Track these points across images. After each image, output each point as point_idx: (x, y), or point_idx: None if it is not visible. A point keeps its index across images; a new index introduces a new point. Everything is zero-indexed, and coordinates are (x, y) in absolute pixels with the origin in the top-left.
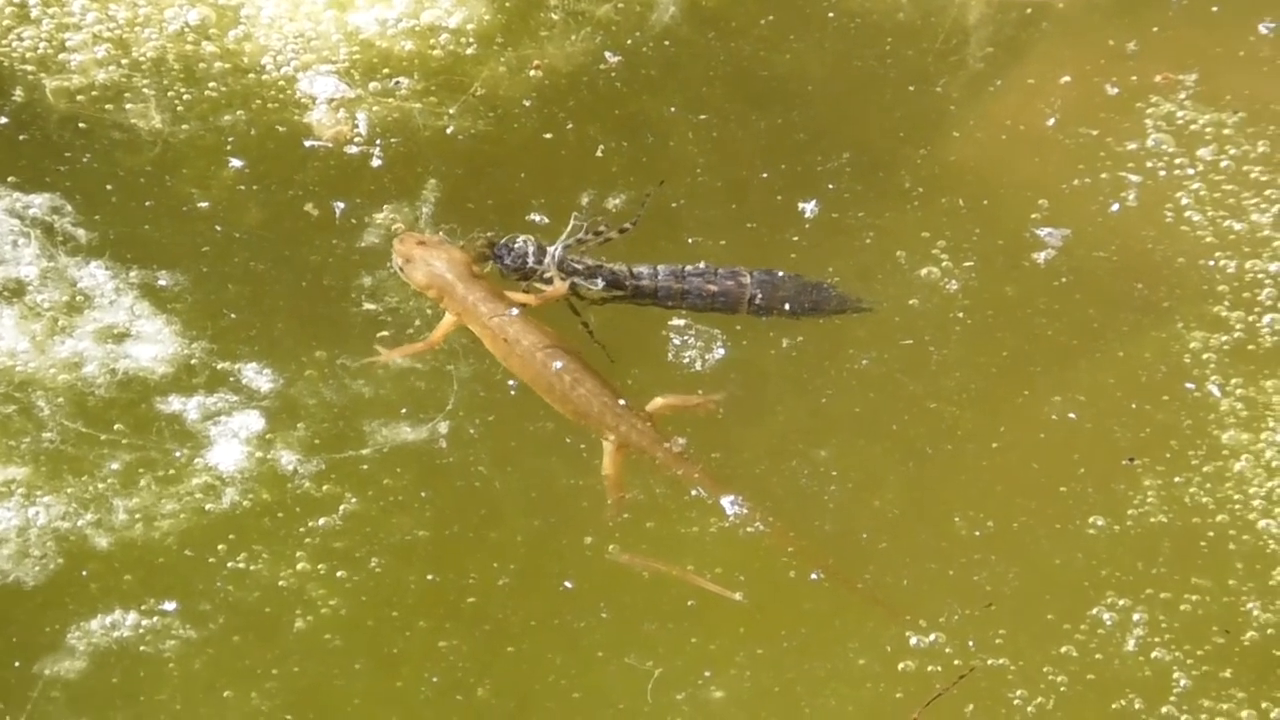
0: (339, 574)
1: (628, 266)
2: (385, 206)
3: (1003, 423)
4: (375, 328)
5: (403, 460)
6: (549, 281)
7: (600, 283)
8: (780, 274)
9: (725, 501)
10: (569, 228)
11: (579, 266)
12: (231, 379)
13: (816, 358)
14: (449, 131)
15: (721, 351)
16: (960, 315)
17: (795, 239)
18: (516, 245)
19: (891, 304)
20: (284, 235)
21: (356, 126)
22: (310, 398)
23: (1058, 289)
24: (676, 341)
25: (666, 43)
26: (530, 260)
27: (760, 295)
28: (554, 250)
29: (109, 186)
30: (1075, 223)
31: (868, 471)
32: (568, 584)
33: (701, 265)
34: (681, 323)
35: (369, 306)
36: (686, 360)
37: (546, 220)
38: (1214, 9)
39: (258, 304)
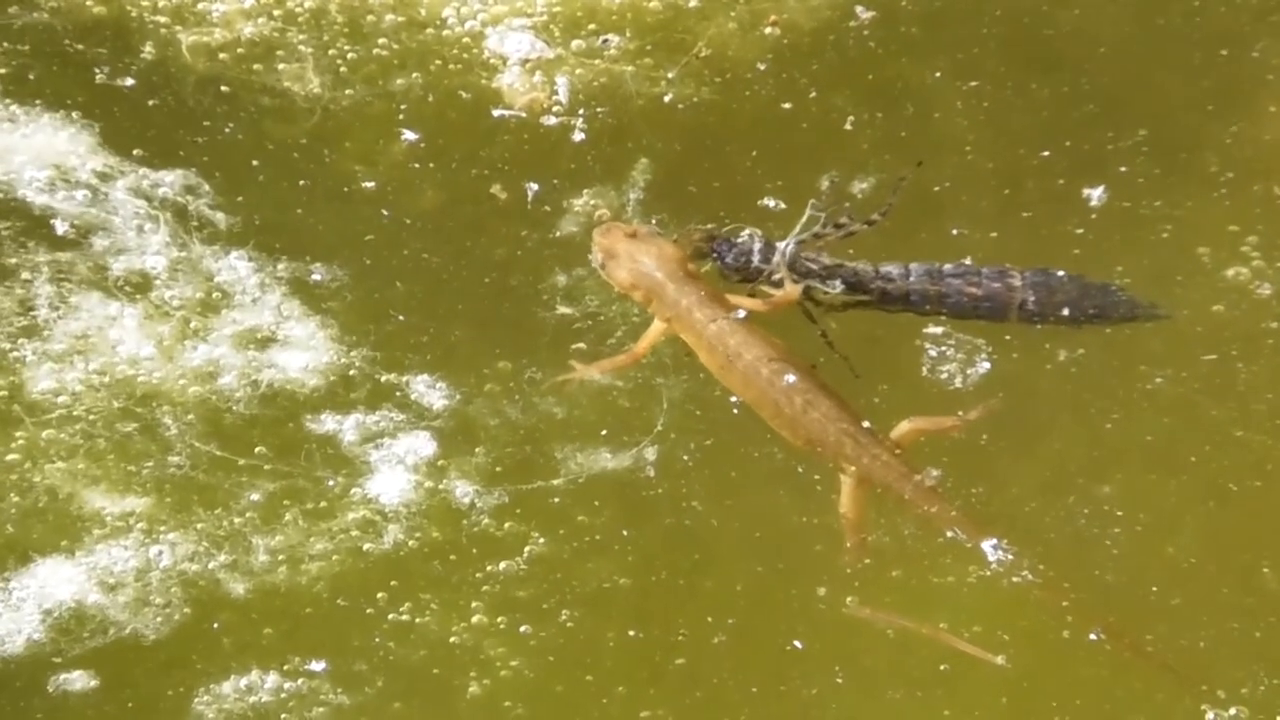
0: (522, 629)
1: (874, 266)
2: (586, 190)
3: None
4: (570, 337)
5: (601, 493)
6: (779, 284)
7: (840, 285)
8: (1058, 274)
9: (987, 546)
10: (804, 219)
11: (815, 266)
12: (398, 394)
13: (1100, 375)
14: (666, 100)
15: (986, 365)
16: (1274, 325)
17: (1078, 232)
18: (740, 241)
19: (1192, 311)
20: (465, 223)
21: (555, 93)
22: (492, 417)
23: None
24: (932, 353)
25: None
26: (756, 258)
27: (1033, 299)
28: (785, 246)
29: (255, 162)
30: None
31: (1159, 512)
32: (797, 643)
33: (964, 264)
34: (939, 331)
35: (564, 310)
36: (944, 376)
37: (783, 207)
38: None
39: (431, 305)
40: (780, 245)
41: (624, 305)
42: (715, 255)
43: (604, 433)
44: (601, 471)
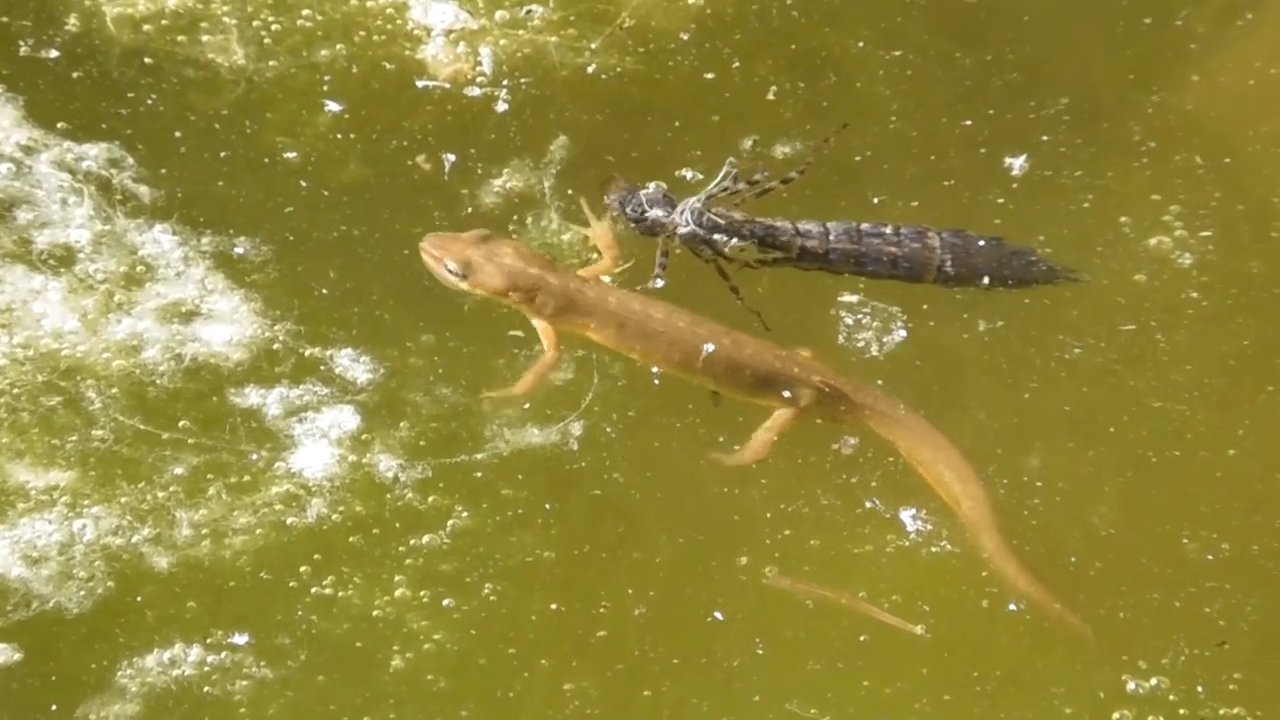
0: (445, 602)
1: (793, 224)
2: (508, 168)
3: (1241, 425)
4: (496, 310)
5: (525, 466)
6: (689, 240)
7: (750, 241)
8: (975, 237)
9: (906, 515)
10: (720, 175)
11: (723, 222)
12: (321, 368)
13: (1020, 344)
14: (590, 70)
15: (903, 334)
16: (1194, 295)
17: (1000, 201)
18: (643, 192)
19: (1112, 280)
20: (388, 195)
21: (479, 64)
22: (415, 392)
23: None
24: (849, 321)
25: None
26: (653, 210)
27: (951, 261)
28: (693, 201)
29: (178, 134)
30: None
31: (1079, 482)
32: (718, 615)
33: (882, 224)
34: (854, 298)
35: None
36: (861, 344)
37: (700, 177)
38: None
39: (354, 279)
40: (686, 202)
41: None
42: (619, 206)
43: (528, 406)
44: (526, 445)
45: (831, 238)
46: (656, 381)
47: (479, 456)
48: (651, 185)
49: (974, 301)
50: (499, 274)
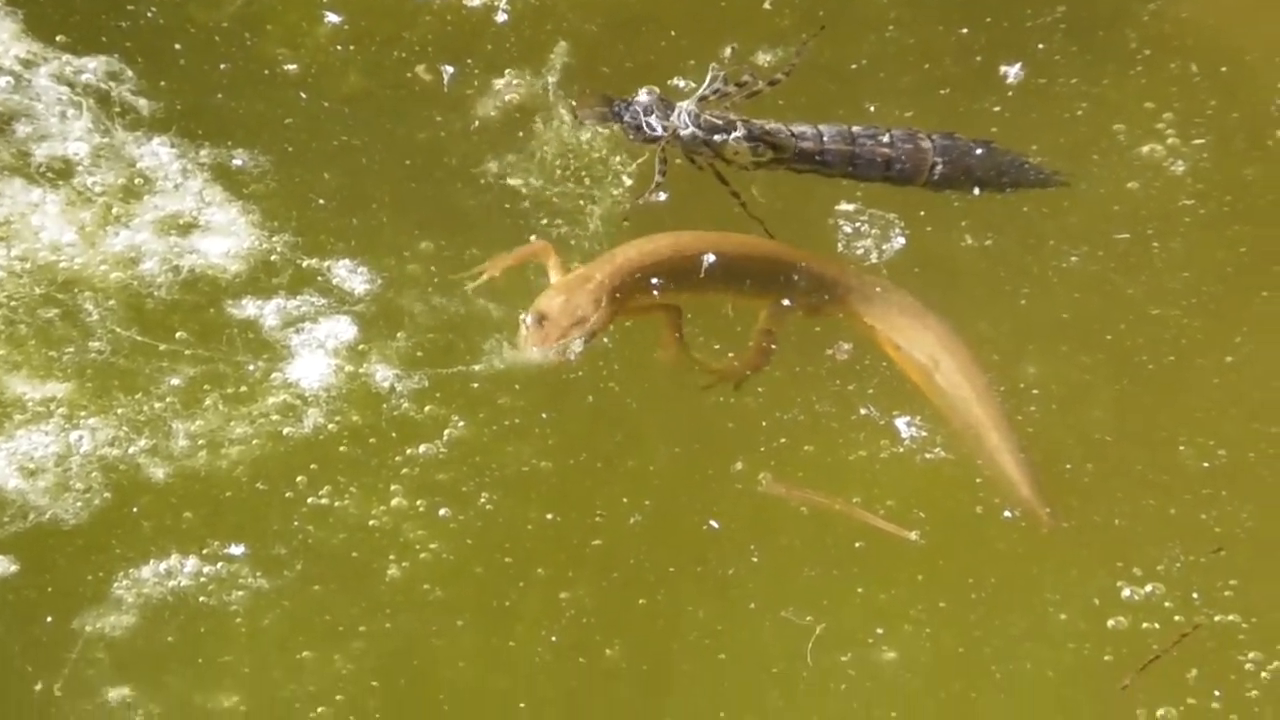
0: (441, 512)
1: (787, 126)
2: (507, 71)
3: (1238, 332)
4: (501, 218)
5: (522, 376)
6: (690, 143)
7: (742, 137)
8: (966, 140)
9: (900, 421)
10: (708, 78)
11: (719, 121)
12: (319, 279)
13: (1016, 252)
14: None
15: (901, 241)
16: (1190, 203)
17: (995, 109)
18: (638, 100)
19: (1107, 188)
20: (387, 106)
21: None
22: (414, 302)
23: None
24: (847, 229)
25: None
26: (653, 116)
27: (943, 163)
28: (686, 105)
29: (177, 47)
30: None
31: (1074, 389)
32: (713, 523)
33: (874, 127)
34: (851, 206)
35: (500, 186)
36: (860, 251)
37: (693, 86)
38: None
39: (353, 189)
40: (681, 105)
41: (551, 186)
42: (615, 115)
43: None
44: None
45: (826, 139)
46: (655, 294)
47: (476, 367)
48: (643, 92)
49: (971, 209)
50: (577, 314)
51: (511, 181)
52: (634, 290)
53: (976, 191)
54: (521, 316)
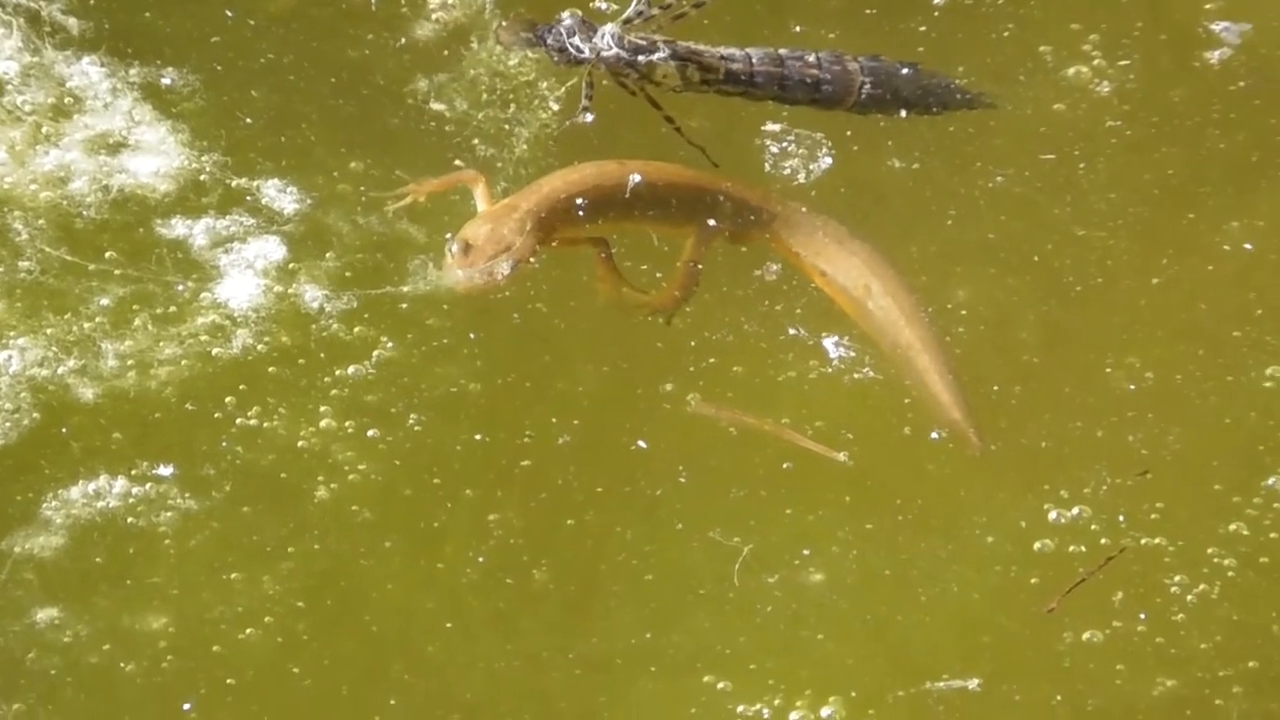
0: (370, 433)
1: (714, 49)
2: None
3: (1165, 254)
4: (428, 139)
5: (449, 299)
6: (615, 65)
7: (667, 56)
8: (891, 61)
9: (828, 341)
10: (632, 2)
11: (643, 43)
12: (248, 198)
13: (943, 174)
14: None
15: (828, 161)
16: (1116, 124)
17: (922, 29)
18: (561, 23)
19: (1033, 109)
20: (317, 25)
21: None
22: (343, 222)
23: (1234, 94)
24: (774, 149)
25: None
26: (572, 39)
27: (870, 84)
28: (608, 28)
29: None
30: (1258, 14)
31: (1001, 310)
32: (641, 443)
33: (799, 49)
34: (777, 127)
35: (427, 109)
36: (787, 171)
37: (617, 9)
38: None
39: (282, 109)
40: (604, 28)
41: (478, 109)
42: (539, 39)
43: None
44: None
45: (754, 61)
46: (581, 213)
47: (405, 289)
48: (565, 14)
49: (898, 130)
50: (503, 242)
51: (437, 106)
52: (560, 220)
53: (903, 113)
54: (447, 244)
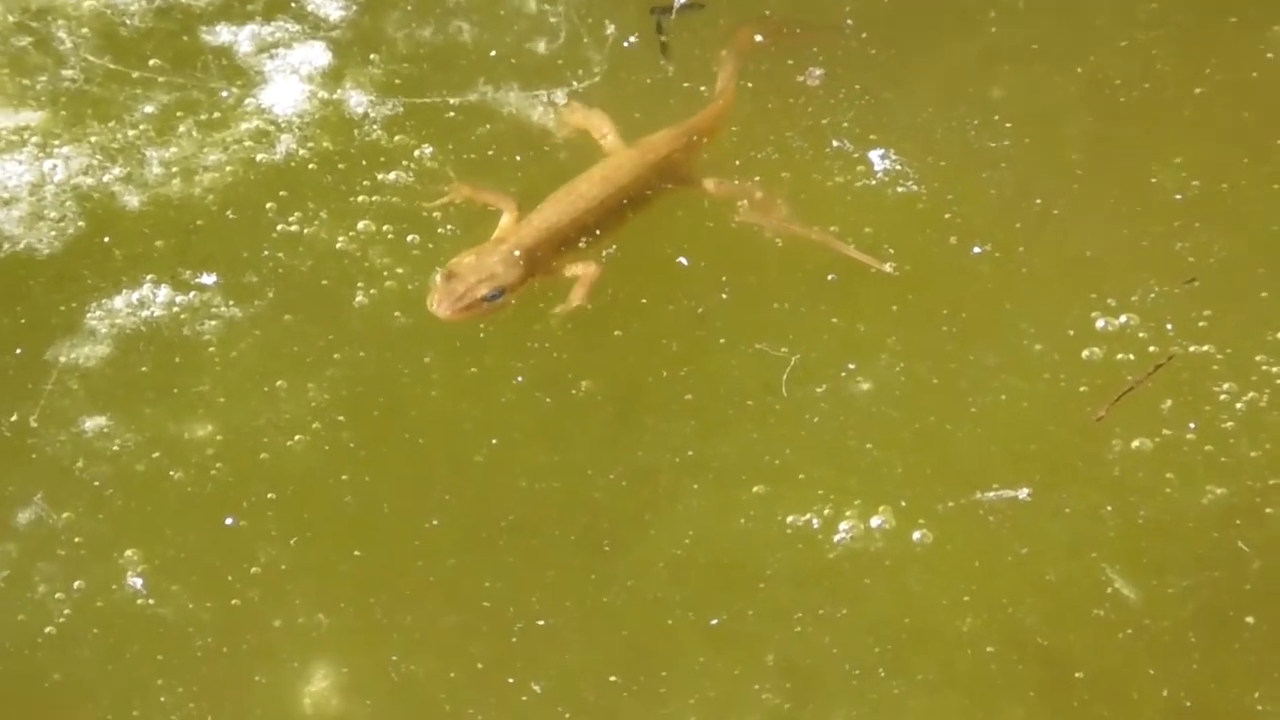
0: (409, 238)
1: None
2: None
3: (1210, 60)
4: None
5: (496, 115)
6: None
7: None
8: None
9: (874, 155)
10: None
11: None
12: (294, 4)
13: None
14: None
15: None
16: None
17: None
18: None
19: None
20: None
21: None
22: (391, 28)
23: None
24: None
25: None
26: None
27: None
28: None
29: None
30: None
31: (1046, 118)
32: (682, 260)
33: None
34: None
35: None
36: None
37: None
38: None
39: None
40: None
41: None
42: None
43: (513, 61)
44: (504, 98)
45: None
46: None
47: (453, 100)
48: None
49: None
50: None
51: None
52: (551, 252)
53: None
54: (435, 273)
